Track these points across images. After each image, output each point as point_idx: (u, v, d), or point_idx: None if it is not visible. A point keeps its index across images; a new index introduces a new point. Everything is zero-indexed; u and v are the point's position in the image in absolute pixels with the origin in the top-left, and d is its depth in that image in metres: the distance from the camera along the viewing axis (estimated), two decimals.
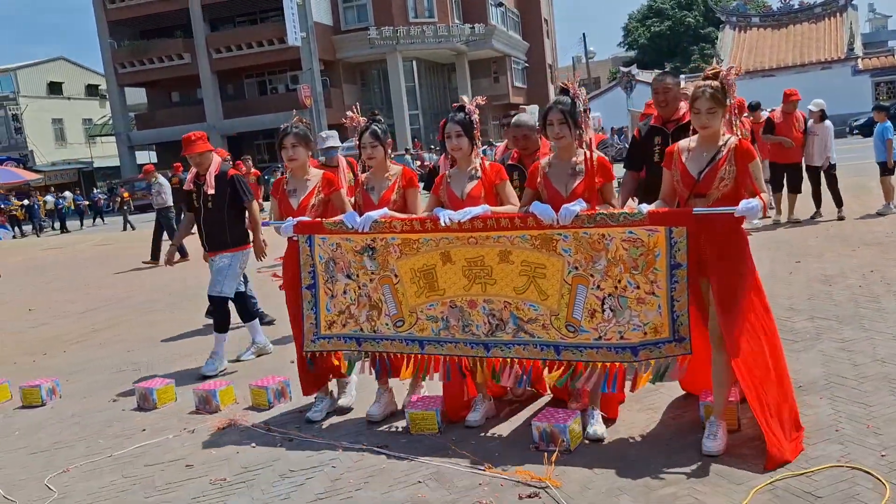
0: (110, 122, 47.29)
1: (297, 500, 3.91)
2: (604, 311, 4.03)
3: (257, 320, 6.97)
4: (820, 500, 3.32)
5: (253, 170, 16.39)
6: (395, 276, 4.55)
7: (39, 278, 15.12)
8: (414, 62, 42.98)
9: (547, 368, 4.30)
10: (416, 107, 43.60)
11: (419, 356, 4.60)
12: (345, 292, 4.73)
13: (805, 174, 11.40)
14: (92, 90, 57.38)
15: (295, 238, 4.89)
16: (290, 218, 4.91)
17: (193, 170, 6.54)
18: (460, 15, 45.27)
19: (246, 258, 6.64)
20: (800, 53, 38.61)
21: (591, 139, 4.24)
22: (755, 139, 10.76)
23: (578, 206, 4.00)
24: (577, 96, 4.24)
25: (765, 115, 12.02)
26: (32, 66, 53.34)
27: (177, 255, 7.30)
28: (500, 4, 47.39)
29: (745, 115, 11.15)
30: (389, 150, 4.94)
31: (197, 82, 42.31)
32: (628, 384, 4.38)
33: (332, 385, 5.27)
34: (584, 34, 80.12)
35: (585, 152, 4.22)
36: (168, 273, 13.23)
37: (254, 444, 4.69)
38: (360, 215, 4.62)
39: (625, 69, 40.94)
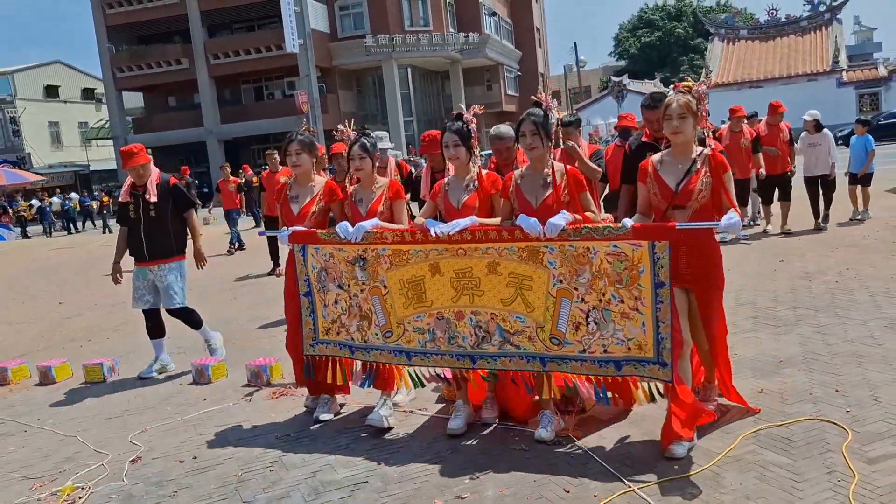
0: (107, 125, 47.74)
1: (357, 449, 4.61)
2: (588, 324, 4.09)
3: (203, 328, 6.90)
4: (794, 443, 4.06)
5: (232, 178, 16.96)
6: (385, 287, 4.62)
7: (59, 275, 15.72)
8: (409, 69, 43.67)
9: (547, 380, 4.32)
10: (411, 113, 44.29)
11: (408, 368, 4.73)
12: (336, 302, 4.83)
13: (805, 185, 11.40)
14: (88, 94, 57.84)
15: (290, 247, 5.02)
16: (286, 228, 5.03)
17: (129, 181, 6.54)
18: (455, 24, 46.06)
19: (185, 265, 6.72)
20: (786, 65, 39.62)
21: (557, 150, 4.45)
22: (756, 149, 11.04)
23: (564, 220, 4.07)
24: (550, 108, 4.35)
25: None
26: (29, 69, 53.76)
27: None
28: (494, 14, 48.30)
29: (746, 123, 11.30)
30: (377, 163, 5.06)
31: (194, 87, 42.87)
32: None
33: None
34: (575, 43, 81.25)
35: (553, 163, 4.36)
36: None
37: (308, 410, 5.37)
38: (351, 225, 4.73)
39: (616, 79, 41.86)
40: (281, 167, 10.84)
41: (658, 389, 4.27)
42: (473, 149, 4.65)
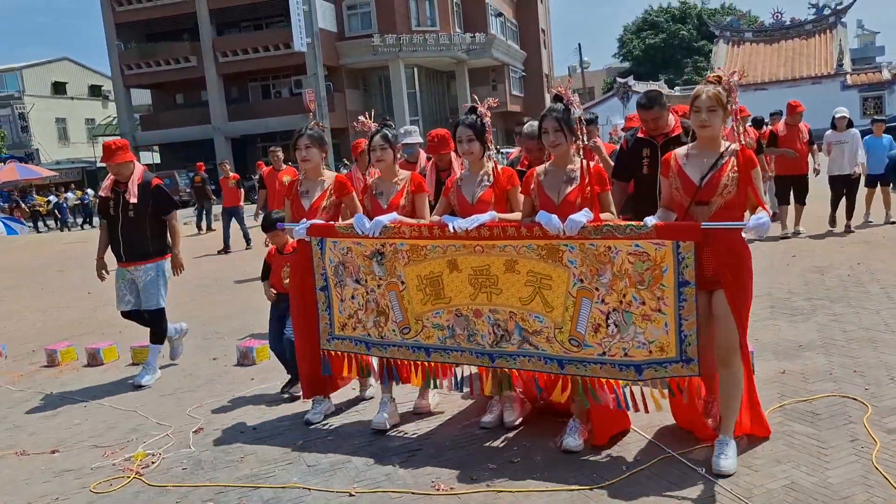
0: (114, 122, 48.11)
1: (406, 423, 4.94)
2: (608, 325, 3.93)
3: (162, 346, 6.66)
4: (818, 416, 4.38)
5: (232, 174, 16.88)
6: (402, 282, 4.55)
7: (79, 267, 16.01)
8: (415, 69, 43.98)
9: (561, 385, 4.17)
10: (417, 113, 44.60)
11: (426, 363, 4.61)
12: (353, 297, 4.77)
13: (830, 185, 11.17)
14: (95, 90, 58.21)
15: (308, 240, 4.92)
16: (304, 220, 4.93)
17: (111, 177, 6.26)
18: (461, 24, 46.37)
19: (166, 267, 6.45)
20: (791, 68, 39.97)
21: (585, 147, 4.24)
22: (761, 149, 10.92)
23: (584, 217, 3.92)
24: (572, 103, 4.17)
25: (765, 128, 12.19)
26: (37, 65, 54.14)
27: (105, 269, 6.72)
28: (500, 14, 48.61)
29: (749, 124, 11.36)
30: (398, 155, 4.94)
31: (202, 85, 43.20)
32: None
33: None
34: (579, 44, 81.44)
35: (581, 160, 4.15)
36: (207, 262, 14.24)
37: (353, 388, 5.68)
38: (370, 220, 4.65)
39: (622, 80, 42.16)
40: (284, 166, 10.96)
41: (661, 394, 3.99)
42: (488, 143, 4.56)
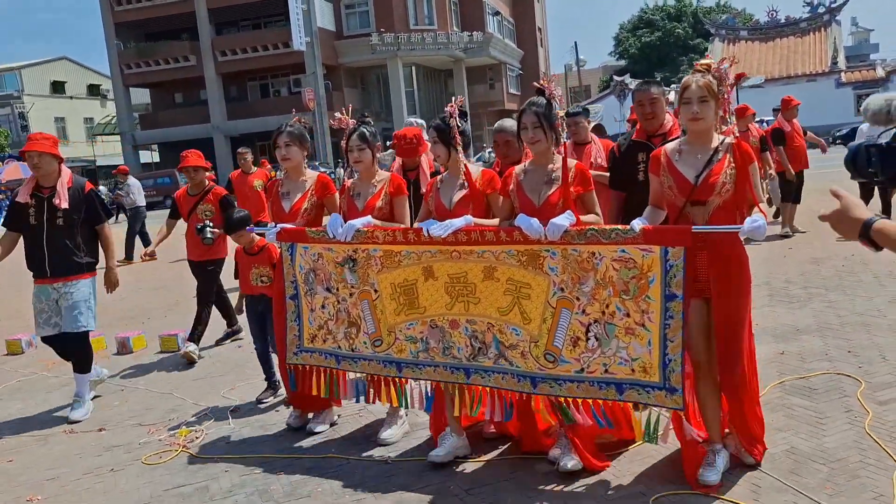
0: (113, 121, 48.36)
1: None
2: (588, 339, 3.65)
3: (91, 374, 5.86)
4: (815, 391, 4.74)
5: (259, 168, 14.49)
6: (375, 291, 4.29)
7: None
8: (413, 68, 44.34)
9: (534, 402, 3.89)
10: (415, 111, 44.85)
11: (397, 380, 4.35)
12: (323, 306, 4.52)
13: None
14: (94, 90, 58.45)
15: (278, 245, 4.78)
16: (272, 224, 4.77)
17: (32, 179, 5.48)
18: (459, 23, 46.74)
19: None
20: (786, 66, 40.40)
21: (565, 145, 4.02)
22: (766, 148, 10.81)
23: (567, 221, 3.67)
24: (553, 97, 3.93)
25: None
26: (36, 65, 54.37)
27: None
28: (497, 13, 49.05)
29: (755, 122, 11.26)
30: (378, 155, 4.72)
31: (201, 84, 43.49)
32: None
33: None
34: (575, 43, 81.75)
35: (564, 158, 3.92)
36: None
37: None
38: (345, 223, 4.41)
39: (619, 78, 42.51)
40: (254, 168, 10.89)
41: (656, 430, 3.76)
42: (454, 145, 4.26)
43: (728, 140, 3.66)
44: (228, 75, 43.64)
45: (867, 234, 2.10)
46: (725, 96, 3.66)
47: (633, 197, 4.65)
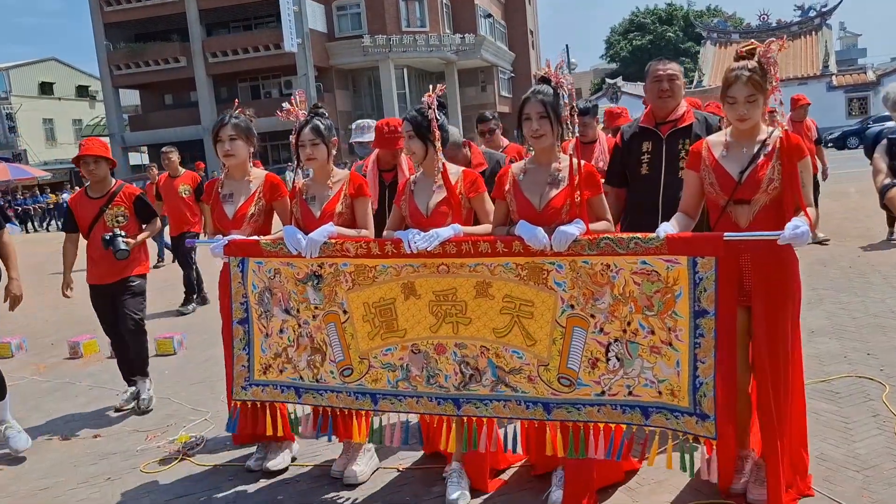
0: (102, 122, 47.98)
1: None
2: (608, 359, 3.25)
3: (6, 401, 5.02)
4: (839, 395, 4.60)
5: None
6: (344, 312, 3.70)
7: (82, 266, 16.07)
8: (405, 70, 44.18)
9: (549, 431, 3.42)
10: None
11: (371, 413, 3.79)
12: (281, 331, 3.88)
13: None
14: (82, 91, 57.99)
15: (226, 260, 4.02)
16: (220, 236, 4.07)
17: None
18: (451, 25, 46.60)
19: None
20: (778, 69, 40.42)
21: (576, 141, 3.41)
22: (820, 142, 10.20)
23: (576, 229, 3.22)
24: (561, 85, 3.40)
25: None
26: (24, 65, 53.85)
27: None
28: (489, 16, 48.93)
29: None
30: (334, 151, 4.05)
31: (191, 85, 43.21)
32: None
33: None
34: (566, 46, 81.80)
35: (571, 157, 3.39)
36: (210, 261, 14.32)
37: None
38: (302, 232, 3.77)
39: (611, 81, 42.48)
40: (182, 170, 9.66)
41: (691, 460, 3.27)
42: (433, 141, 3.70)
43: (776, 133, 3.28)
44: (219, 76, 43.33)
45: None
46: (774, 84, 3.23)
47: (633, 194, 4.25)
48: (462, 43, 44.73)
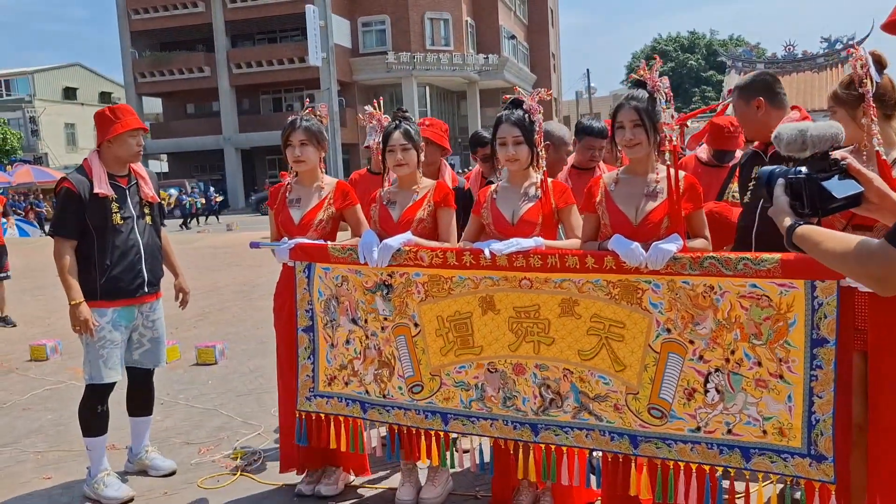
0: None
1: None
2: (706, 391, 2.96)
3: None
4: None
5: None
6: (416, 325, 3.52)
7: None
8: (427, 88, 44.30)
9: (635, 467, 3.12)
10: None
11: (441, 434, 3.55)
12: (347, 342, 3.71)
13: None
14: (105, 97, 58.34)
15: (291, 264, 3.87)
16: (287, 239, 3.90)
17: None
18: (475, 45, 46.73)
19: None
20: (803, 100, 40.16)
21: (674, 148, 3.16)
22: None
23: (674, 245, 2.97)
24: (658, 90, 3.12)
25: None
26: (49, 70, 54.36)
27: None
28: (513, 37, 49.05)
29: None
30: (422, 157, 3.88)
31: (213, 95, 43.42)
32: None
33: None
34: (587, 70, 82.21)
35: (668, 168, 3.11)
36: (247, 270, 14.25)
37: None
38: (379, 238, 3.60)
39: None
40: None
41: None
42: (537, 146, 3.49)
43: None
44: (242, 88, 43.58)
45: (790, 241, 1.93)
46: (871, 89, 2.90)
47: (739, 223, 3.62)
48: (485, 63, 44.85)
